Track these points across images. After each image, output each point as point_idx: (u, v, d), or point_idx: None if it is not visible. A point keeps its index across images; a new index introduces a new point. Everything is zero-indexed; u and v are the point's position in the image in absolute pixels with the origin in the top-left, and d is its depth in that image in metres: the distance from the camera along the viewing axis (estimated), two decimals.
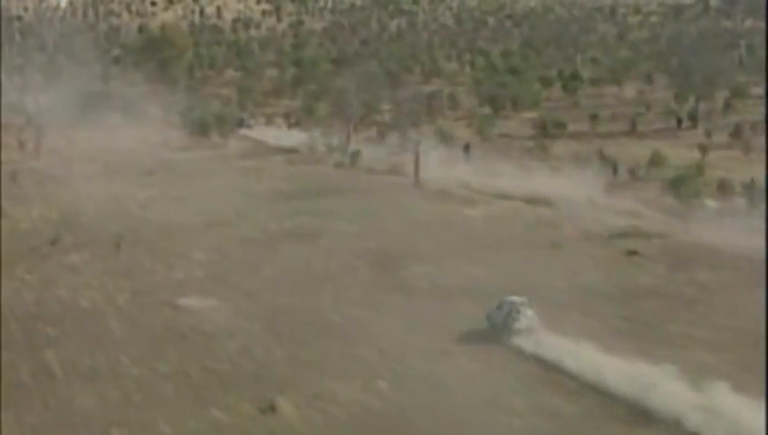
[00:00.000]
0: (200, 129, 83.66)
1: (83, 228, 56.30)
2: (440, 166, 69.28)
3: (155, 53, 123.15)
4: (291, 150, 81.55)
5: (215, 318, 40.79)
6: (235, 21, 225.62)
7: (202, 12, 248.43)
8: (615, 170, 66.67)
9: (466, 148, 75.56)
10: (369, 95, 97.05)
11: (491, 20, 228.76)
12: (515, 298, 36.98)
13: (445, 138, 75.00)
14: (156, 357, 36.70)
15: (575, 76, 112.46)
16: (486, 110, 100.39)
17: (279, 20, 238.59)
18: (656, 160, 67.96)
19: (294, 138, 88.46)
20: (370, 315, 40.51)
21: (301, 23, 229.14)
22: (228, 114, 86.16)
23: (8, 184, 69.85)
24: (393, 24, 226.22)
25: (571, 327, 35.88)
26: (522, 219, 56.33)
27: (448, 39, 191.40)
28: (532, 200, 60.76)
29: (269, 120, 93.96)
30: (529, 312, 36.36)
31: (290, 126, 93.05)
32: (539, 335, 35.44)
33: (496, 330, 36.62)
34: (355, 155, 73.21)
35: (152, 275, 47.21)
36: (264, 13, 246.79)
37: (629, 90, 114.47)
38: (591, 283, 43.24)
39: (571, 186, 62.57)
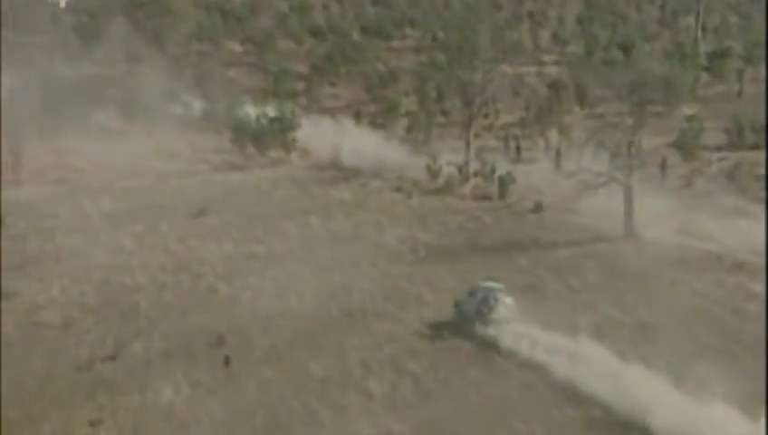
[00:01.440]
0: (253, 138, 68.58)
1: (150, 324, 41.93)
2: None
3: (142, 21, 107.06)
4: (388, 171, 66.49)
5: None
6: None
7: None
8: None
9: (663, 166, 61.53)
10: (459, 84, 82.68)
11: None
12: None
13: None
14: None
15: (723, 53, 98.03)
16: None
17: None
18: None
19: (371, 145, 73.80)
20: None
21: None
22: (288, 115, 70.97)
23: None
24: None
25: None
26: None
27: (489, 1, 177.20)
28: None
29: (331, 118, 78.91)
30: None
31: (372, 127, 78.33)
32: None
33: None
34: (505, 182, 58.78)
35: (316, 430, 32.75)
36: None
37: None
38: None
39: None
